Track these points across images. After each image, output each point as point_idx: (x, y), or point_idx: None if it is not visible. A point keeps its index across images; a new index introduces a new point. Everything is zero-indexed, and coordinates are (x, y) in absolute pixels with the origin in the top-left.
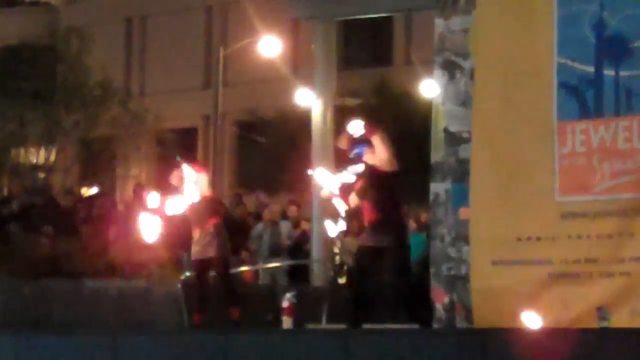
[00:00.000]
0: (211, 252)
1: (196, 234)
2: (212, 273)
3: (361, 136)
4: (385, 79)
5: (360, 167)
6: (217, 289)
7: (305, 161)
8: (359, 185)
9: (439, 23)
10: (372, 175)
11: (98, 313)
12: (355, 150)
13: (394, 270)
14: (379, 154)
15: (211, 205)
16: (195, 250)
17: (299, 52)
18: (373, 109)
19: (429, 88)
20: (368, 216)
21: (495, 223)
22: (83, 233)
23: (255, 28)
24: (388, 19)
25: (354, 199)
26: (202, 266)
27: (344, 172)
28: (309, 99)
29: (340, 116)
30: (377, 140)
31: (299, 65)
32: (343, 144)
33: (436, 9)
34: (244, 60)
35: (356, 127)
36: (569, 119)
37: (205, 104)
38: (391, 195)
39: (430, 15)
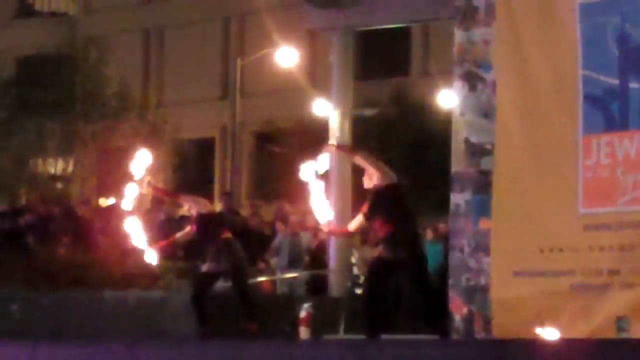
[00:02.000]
0: (220, 267)
1: (210, 248)
2: (229, 284)
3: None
4: (402, 89)
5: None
6: (233, 301)
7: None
8: (364, 208)
9: (459, 34)
10: (374, 194)
11: (116, 323)
12: None
13: (410, 282)
14: (369, 174)
15: (219, 220)
16: (207, 264)
17: (316, 62)
18: (390, 119)
19: (447, 98)
20: (381, 231)
21: (517, 234)
22: (101, 243)
23: (272, 38)
24: (405, 29)
25: (357, 223)
26: (206, 280)
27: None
28: (326, 110)
29: (358, 126)
30: (360, 161)
31: (317, 75)
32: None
33: (455, 20)
34: (262, 71)
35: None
36: (593, 132)
37: (222, 114)
38: (398, 207)
39: (448, 25)
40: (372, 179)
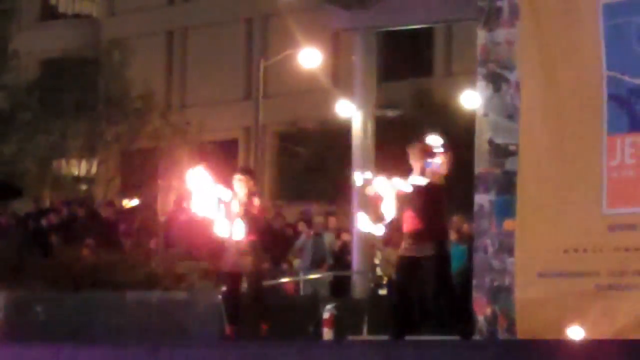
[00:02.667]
0: (244, 267)
1: (231, 245)
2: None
3: (434, 151)
4: (425, 89)
5: (422, 180)
6: (248, 303)
7: (346, 172)
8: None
9: (482, 34)
10: (424, 187)
11: (139, 324)
12: (427, 161)
13: (434, 280)
14: (442, 171)
15: (252, 222)
16: (229, 263)
17: (339, 63)
18: (413, 120)
19: (470, 99)
20: (409, 225)
21: (541, 235)
22: (124, 244)
23: (295, 40)
24: (428, 30)
25: (391, 205)
26: (234, 279)
27: (402, 180)
28: (349, 110)
29: (381, 127)
30: (446, 158)
31: (339, 76)
32: (415, 154)
33: (478, 21)
34: (285, 72)
35: (435, 141)
36: (618, 132)
37: (246, 115)
38: (436, 206)
39: (470, 25)
40: (435, 175)
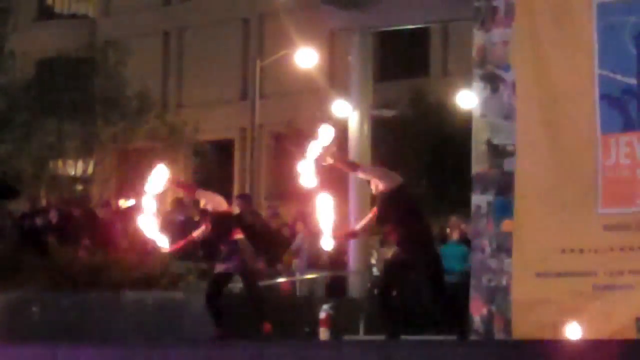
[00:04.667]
0: (231, 268)
1: (222, 248)
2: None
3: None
4: (421, 89)
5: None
6: (246, 302)
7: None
8: (374, 212)
9: (478, 35)
10: (381, 200)
11: (136, 324)
12: None
13: (425, 282)
14: (374, 182)
15: (232, 220)
16: (219, 264)
17: (335, 63)
18: (409, 120)
19: (467, 99)
20: (392, 236)
21: (539, 235)
22: (120, 245)
23: (291, 40)
24: (424, 30)
25: (364, 222)
26: (219, 280)
27: None
28: (345, 110)
29: (377, 127)
30: (361, 174)
31: (336, 76)
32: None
33: (474, 21)
34: (281, 72)
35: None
36: (612, 132)
37: (242, 115)
38: (406, 209)
39: (467, 25)
40: (378, 186)
